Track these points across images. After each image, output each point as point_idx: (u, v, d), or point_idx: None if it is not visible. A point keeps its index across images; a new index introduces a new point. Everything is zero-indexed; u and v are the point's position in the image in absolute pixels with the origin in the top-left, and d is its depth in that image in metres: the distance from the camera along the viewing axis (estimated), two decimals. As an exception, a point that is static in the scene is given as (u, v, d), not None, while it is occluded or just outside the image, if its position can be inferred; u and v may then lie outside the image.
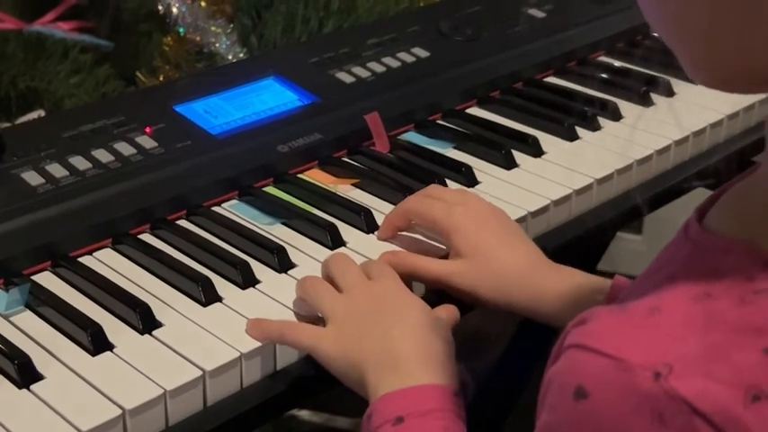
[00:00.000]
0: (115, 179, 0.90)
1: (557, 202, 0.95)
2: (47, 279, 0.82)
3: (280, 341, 0.75)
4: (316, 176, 0.98)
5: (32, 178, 0.88)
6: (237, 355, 0.74)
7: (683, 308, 0.48)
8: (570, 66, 1.22)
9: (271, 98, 1.04)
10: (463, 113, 1.11)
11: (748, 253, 0.49)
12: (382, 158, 1.01)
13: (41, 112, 1.12)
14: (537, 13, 1.26)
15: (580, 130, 1.07)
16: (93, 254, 0.86)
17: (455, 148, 1.04)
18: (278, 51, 1.24)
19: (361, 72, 1.10)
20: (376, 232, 0.89)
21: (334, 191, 0.95)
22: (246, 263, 0.83)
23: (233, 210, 0.92)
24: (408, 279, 0.81)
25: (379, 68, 1.11)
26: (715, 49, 0.48)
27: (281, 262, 0.84)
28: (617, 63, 1.23)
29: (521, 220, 0.92)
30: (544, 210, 0.94)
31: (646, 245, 2.03)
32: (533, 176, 0.99)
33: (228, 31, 1.23)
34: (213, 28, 1.23)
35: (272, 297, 0.80)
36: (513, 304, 0.80)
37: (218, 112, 1.01)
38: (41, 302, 0.78)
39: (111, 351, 0.74)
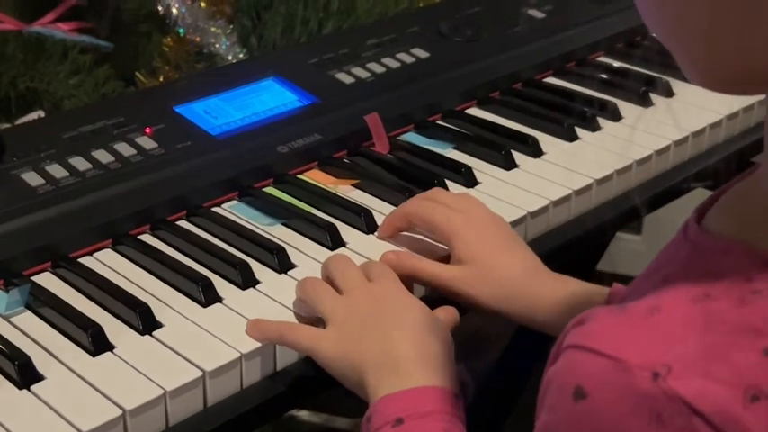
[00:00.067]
0: (115, 180, 0.90)
1: (556, 203, 0.95)
2: (47, 280, 0.82)
3: (279, 342, 0.75)
4: (315, 177, 0.98)
5: (32, 179, 0.88)
6: (237, 355, 0.74)
7: (682, 308, 0.48)
8: (570, 66, 1.22)
9: (270, 99, 1.04)
10: (463, 114, 1.11)
11: (747, 253, 0.49)
12: (382, 159, 1.01)
13: (41, 113, 1.12)
14: (536, 14, 1.26)
15: (580, 131, 1.07)
16: (94, 254, 0.86)
17: (455, 148, 1.04)
18: (278, 52, 1.24)
19: (361, 73, 1.10)
20: (376, 233, 0.89)
21: (333, 191, 0.95)
22: (246, 263, 0.83)
23: (233, 210, 0.92)
24: (408, 281, 0.81)
25: (378, 69, 1.11)
26: (715, 49, 0.48)
27: (281, 262, 0.84)
28: (616, 63, 1.23)
29: (520, 221, 0.92)
30: (544, 210, 0.94)
31: (645, 245, 2.04)
32: (533, 177, 0.99)
33: (228, 31, 1.23)
34: (213, 29, 1.23)
35: (272, 297, 0.81)
36: (510, 312, 0.80)
37: (218, 113, 1.01)
38: (42, 303, 0.79)
39: (112, 351, 0.74)
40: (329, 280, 0.79)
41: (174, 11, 1.22)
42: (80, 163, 0.91)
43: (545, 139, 1.05)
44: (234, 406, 0.74)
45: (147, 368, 0.72)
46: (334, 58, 1.11)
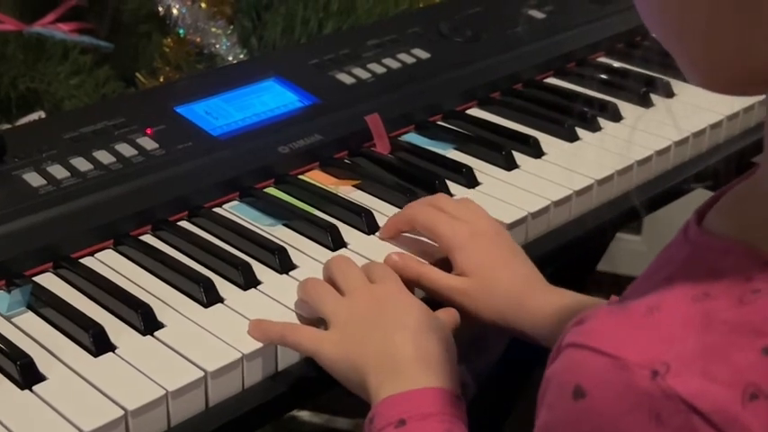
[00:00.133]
0: (116, 180, 0.90)
1: (557, 203, 0.95)
2: (48, 280, 0.82)
3: (281, 343, 0.76)
4: (316, 177, 0.98)
5: (34, 179, 0.88)
6: (239, 356, 0.74)
7: (681, 307, 0.48)
8: (570, 67, 1.22)
9: (271, 99, 1.04)
10: (463, 114, 1.11)
11: (747, 253, 0.49)
12: (383, 159, 1.01)
13: (41, 114, 1.12)
14: (537, 15, 1.26)
15: (580, 131, 1.07)
16: (95, 255, 0.86)
17: (455, 149, 1.04)
18: (278, 53, 1.25)
19: (362, 73, 1.10)
20: (377, 233, 0.89)
21: (334, 192, 0.95)
22: (248, 264, 0.83)
23: (234, 211, 0.92)
24: (410, 284, 0.81)
25: (379, 69, 1.11)
26: (714, 49, 0.48)
27: (283, 263, 0.84)
28: (617, 64, 1.24)
29: (521, 221, 0.92)
30: (544, 210, 0.94)
31: (645, 245, 2.04)
32: (534, 177, 0.99)
33: (228, 32, 1.23)
34: (213, 29, 1.23)
35: (274, 298, 0.81)
36: (509, 326, 0.80)
37: (219, 114, 1.01)
38: (43, 303, 0.79)
39: (113, 352, 0.74)
40: (331, 281, 0.79)
41: (175, 11, 1.22)
42: (81, 163, 0.91)
43: (546, 140, 1.05)
44: (235, 406, 0.74)
45: (148, 368, 0.72)
46: (334, 59, 1.12)
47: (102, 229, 0.87)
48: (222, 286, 0.81)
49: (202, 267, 0.84)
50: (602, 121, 1.09)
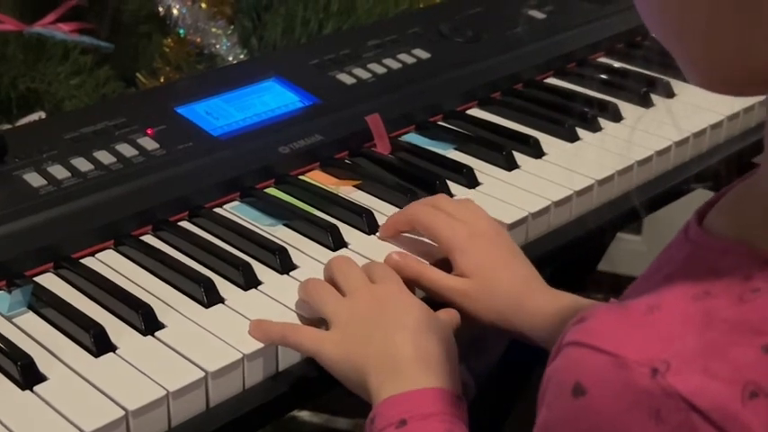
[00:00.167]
0: (117, 180, 0.90)
1: (557, 203, 0.95)
2: (49, 280, 0.83)
3: (282, 343, 0.76)
4: (317, 178, 0.98)
5: (34, 180, 0.88)
6: (240, 356, 0.74)
7: (681, 306, 0.48)
8: (570, 67, 1.22)
9: (272, 99, 1.04)
10: (464, 115, 1.11)
11: (747, 253, 0.49)
12: (383, 160, 1.01)
13: (42, 114, 1.12)
14: (537, 15, 1.26)
15: (581, 131, 1.07)
16: (96, 255, 0.86)
17: (456, 149, 1.04)
18: (279, 53, 1.25)
19: (362, 73, 1.10)
20: (377, 233, 0.89)
21: (335, 192, 0.95)
22: (248, 264, 0.83)
23: (234, 211, 0.93)
24: (410, 284, 0.81)
25: (379, 70, 1.11)
26: (714, 48, 0.48)
27: (283, 263, 0.84)
28: (617, 64, 1.24)
29: (522, 221, 0.92)
30: (545, 211, 0.94)
31: (645, 245, 2.04)
32: (534, 177, 0.99)
33: (229, 32, 1.24)
34: (213, 29, 1.23)
35: (274, 298, 0.81)
36: (509, 327, 0.80)
37: (220, 114, 1.01)
38: (44, 304, 0.79)
39: (114, 352, 0.74)
40: (332, 281, 0.79)
41: (175, 12, 1.22)
42: (82, 164, 0.91)
43: (546, 140, 1.05)
44: (236, 407, 0.74)
45: (149, 369, 0.72)
46: (335, 59, 1.12)
47: (102, 229, 0.87)
48: (223, 286, 0.81)
49: (203, 267, 0.84)
50: (602, 122, 1.09)
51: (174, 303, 0.80)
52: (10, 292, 0.80)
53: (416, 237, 0.88)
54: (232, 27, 1.24)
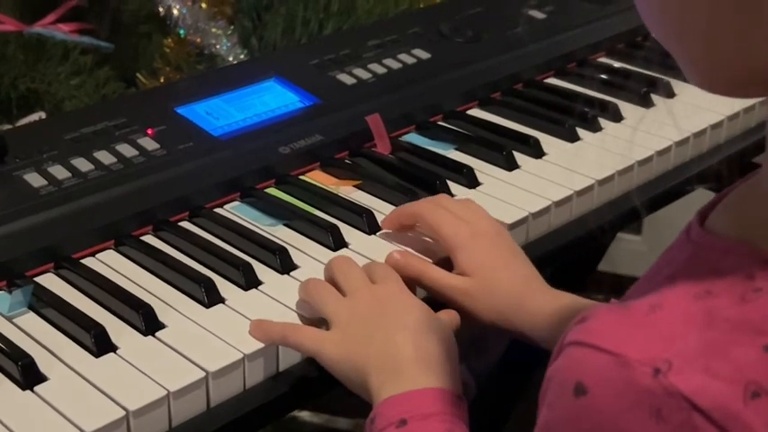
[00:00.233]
0: (117, 181, 0.90)
1: (558, 203, 0.95)
2: (49, 280, 0.83)
3: (282, 343, 0.76)
4: (317, 178, 0.98)
5: (34, 180, 0.88)
6: (240, 356, 0.74)
7: (683, 305, 0.48)
8: (571, 67, 1.22)
9: (272, 99, 1.04)
10: (464, 115, 1.11)
11: (749, 253, 0.49)
12: (383, 160, 1.01)
13: (42, 114, 1.12)
14: (537, 15, 1.26)
15: (581, 132, 1.07)
16: (96, 255, 0.86)
17: (456, 149, 1.04)
18: (279, 53, 1.25)
19: (362, 73, 1.10)
20: (378, 233, 0.89)
21: (335, 192, 0.95)
22: (249, 264, 0.83)
23: (235, 211, 0.93)
24: (411, 283, 0.81)
25: (379, 70, 1.11)
26: (714, 49, 0.48)
27: (284, 263, 0.84)
28: (617, 64, 1.24)
29: (522, 221, 0.92)
30: (545, 211, 0.94)
31: (645, 245, 2.04)
32: (534, 177, 0.99)
33: (229, 32, 1.24)
34: (214, 30, 1.23)
35: (275, 298, 0.81)
36: (509, 327, 0.80)
37: (220, 114, 1.01)
38: (44, 304, 0.79)
39: (115, 352, 0.74)
40: (332, 281, 0.79)
41: (175, 12, 1.22)
42: (82, 164, 0.91)
43: (546, 140, 1.05)
44: (237, 407, 0.74)
45: (150, 369, 0.72)
46: (335, 59, 1.12)
47: (103, 229, 0.87)
48: (223, 286, 0.81)
49: (203, 268, 0.84)
50: (602, 122, 1.09)
51: (174, 303, 0.80)
52: (10, 292, 0.80)
53: (417, 236, 0.88)
54: (232, 27, 1.24)
